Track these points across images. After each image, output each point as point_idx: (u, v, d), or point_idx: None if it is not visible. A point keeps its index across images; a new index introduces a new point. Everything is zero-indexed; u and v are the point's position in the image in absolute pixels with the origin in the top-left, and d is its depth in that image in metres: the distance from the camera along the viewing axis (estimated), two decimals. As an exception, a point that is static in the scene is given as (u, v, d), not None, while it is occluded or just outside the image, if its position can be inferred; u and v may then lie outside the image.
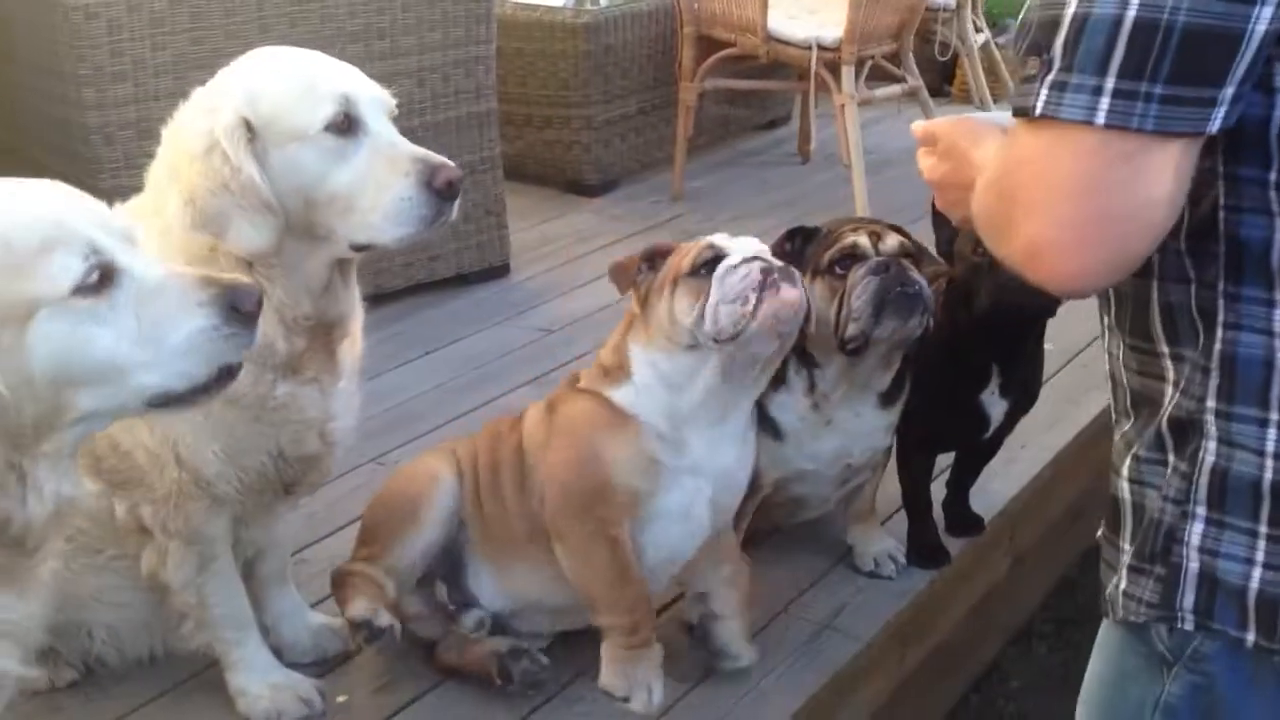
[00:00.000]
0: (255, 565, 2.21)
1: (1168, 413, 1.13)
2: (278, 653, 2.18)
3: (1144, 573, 1.15)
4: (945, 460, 2.51)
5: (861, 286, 2.04)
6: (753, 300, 1.88)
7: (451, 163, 1.86)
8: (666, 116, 4.89)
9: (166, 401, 1.41)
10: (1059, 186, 0.98)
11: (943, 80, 5.72)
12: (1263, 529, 1.06)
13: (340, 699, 2.14)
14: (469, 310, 3.82)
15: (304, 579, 2.39)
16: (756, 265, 1.92)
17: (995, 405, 2.27)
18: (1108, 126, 0.95)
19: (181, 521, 1.96)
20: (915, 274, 2.06)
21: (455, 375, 3.38)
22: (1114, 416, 1.25)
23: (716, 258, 1.95)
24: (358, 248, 1.87)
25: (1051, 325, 2.29)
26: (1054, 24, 0.99)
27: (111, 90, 3.19)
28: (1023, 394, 2.30)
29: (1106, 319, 1.24)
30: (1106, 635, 1.25)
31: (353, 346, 2.04)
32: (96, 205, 1.44)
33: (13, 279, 1.30)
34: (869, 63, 4.37)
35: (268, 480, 1.99)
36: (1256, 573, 1.07)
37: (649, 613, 2.06)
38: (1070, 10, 0.98)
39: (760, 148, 5.37)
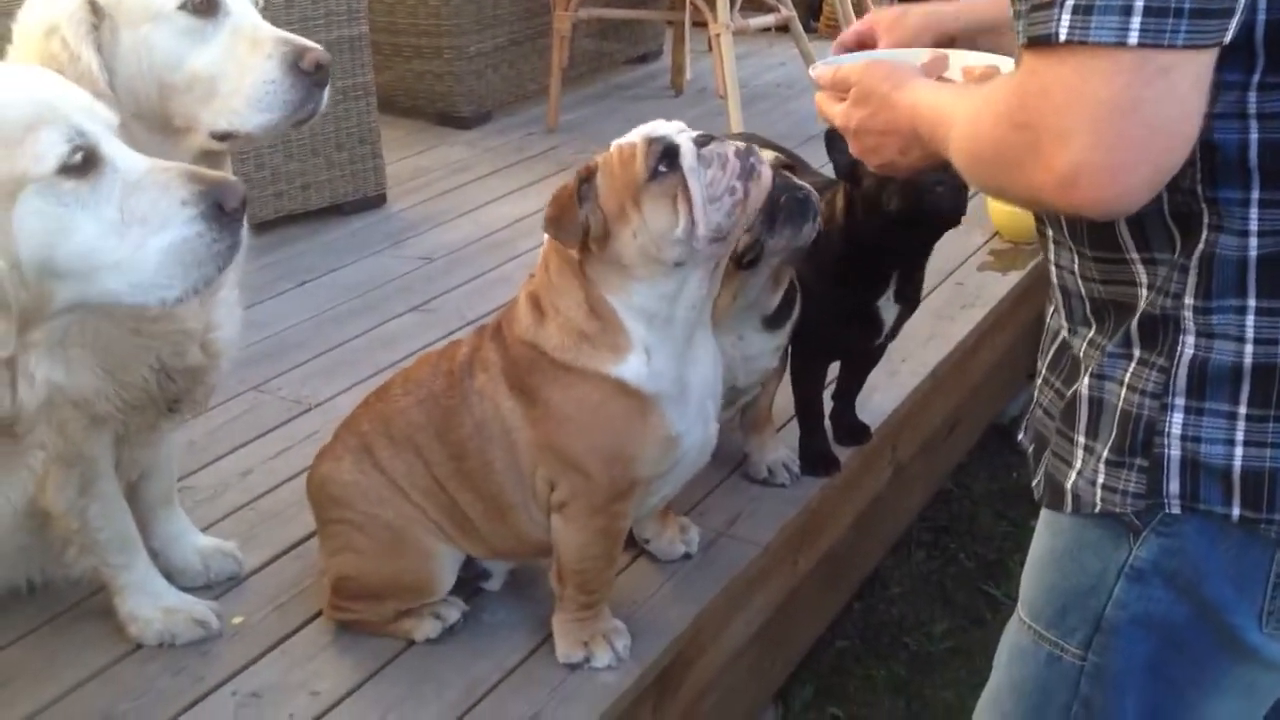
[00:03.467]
0: (140, 489, 2.14)
1: (1140, 312, 1.16)
2: (168, 577, 2.12)
3: (1124, 465, 1.17)
4: (831, 374, 2.57)
5: None
6: (740, 189, 1.74)
7: (319, 45, 1.78)
8: (539, 48, 4.84)
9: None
10: (1098, 109, 0.97)
11: (810, 15, 5.79)
12: (1242, 410, 1.12)
13: (236, 620, 2.10)
14: (345, 240, 3.74)
15: (190, 505, 2.34)
16: (729, 150, 1.76)
17: (890, 310, 2.34)
18: (1140, 45, 0.96)
19: (62, 442, 1.88)
20: (798, 180, 2.07)
21: (334, 304, 3.31)
22: (1068, 326, 1.27)
23: (668, 151, 1.76)
24: (219, 136, 1.78)
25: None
26: None
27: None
28: (911, 299, 2.37)
29: (1051, 233, 1.26)
30: (1055, 518, 1.28)
31: (232, 255, 1.98)
32: (82, 94, 1.41)
33: (1, 153, 1.28)
34: (742, -7, 4.39)
35: (150, 396, 1.92)
36: (1238, 451, 1.12)
37: (610, 588, 2.01)
38: None
39: (633, 81, 5.36)
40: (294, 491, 2.46)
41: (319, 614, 2.12)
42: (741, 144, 1.82)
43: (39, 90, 1.34)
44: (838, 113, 1.40)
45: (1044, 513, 1.31)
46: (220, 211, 1.35)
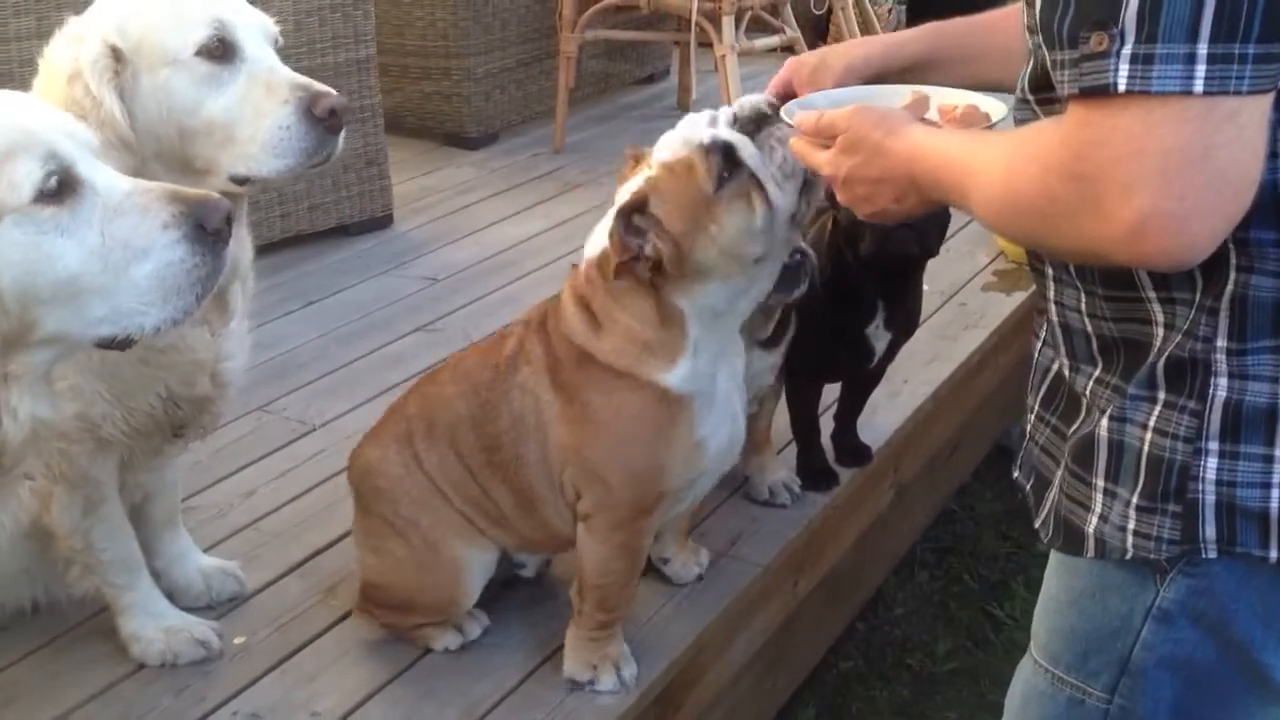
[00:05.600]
0: (145, 510, 2.15)
1: (1166, 353, 1.14)
2: (170, 597, 2.14)
3: (1157, 511, 1.15)
4: (833, 394, 2.57)
5: None
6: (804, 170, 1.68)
7: (335, 92, 1.80)
8: (546, 69, 4.87)
9: (113, 344, 1.36)
10: (1166, 158, 0.95)
11: (816, 36, 5.80)
12: (1278, 452, 1.10)
13: (238, 640, 2.11)
14: (351, 261, 3.76)
15: (195, 525, 2.35)
16: (775, 135, 1.68)
17: (880, 338, 2.35)
18: (1206, 94, 0.94)
19: (67, 464, 1.90)
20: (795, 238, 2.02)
21: (340, 324, 3.33)
22: (1068, 363, 1.25)
23: (726, 151, 1.71)
24: (238, 180, 1.80)
25: (931, 266, 2.37)
26: None
27: (-32, 29, 3.04)
28: (905, 325, 2.38)
29: (1053, 271, 1.24)
30: (1071, 560, 1.25)
31: (243, 287, 1.99)
32: (61, 115, 1.40)
33: None
34: (749, 14, 4.41)
35: (157, 423, 1.94)
36: (1275, 493, 1.11)
37: (629, 606, 2.02)
38: None
39: (640, 101, 5.38)
40: (297, 512, 2.48)
41: (320, 634, 2.13)
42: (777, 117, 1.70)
43: (13, 116, 1.32)
44: (824, 161, 1.36)
45: (1056, 555, 1.29)
46: (203, 232, 1.33)
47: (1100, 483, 1.20)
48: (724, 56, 4.27)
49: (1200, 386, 1.11)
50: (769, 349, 2.26)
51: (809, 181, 1.72)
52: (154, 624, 2.06)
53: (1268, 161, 1.02)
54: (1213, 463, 1.12)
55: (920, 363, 2.95)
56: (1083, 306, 1.21)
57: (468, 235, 3.95)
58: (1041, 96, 1.16)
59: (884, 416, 2.75)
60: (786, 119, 1.47)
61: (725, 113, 1.77)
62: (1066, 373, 1.26)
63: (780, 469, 2.48)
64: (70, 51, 1.74)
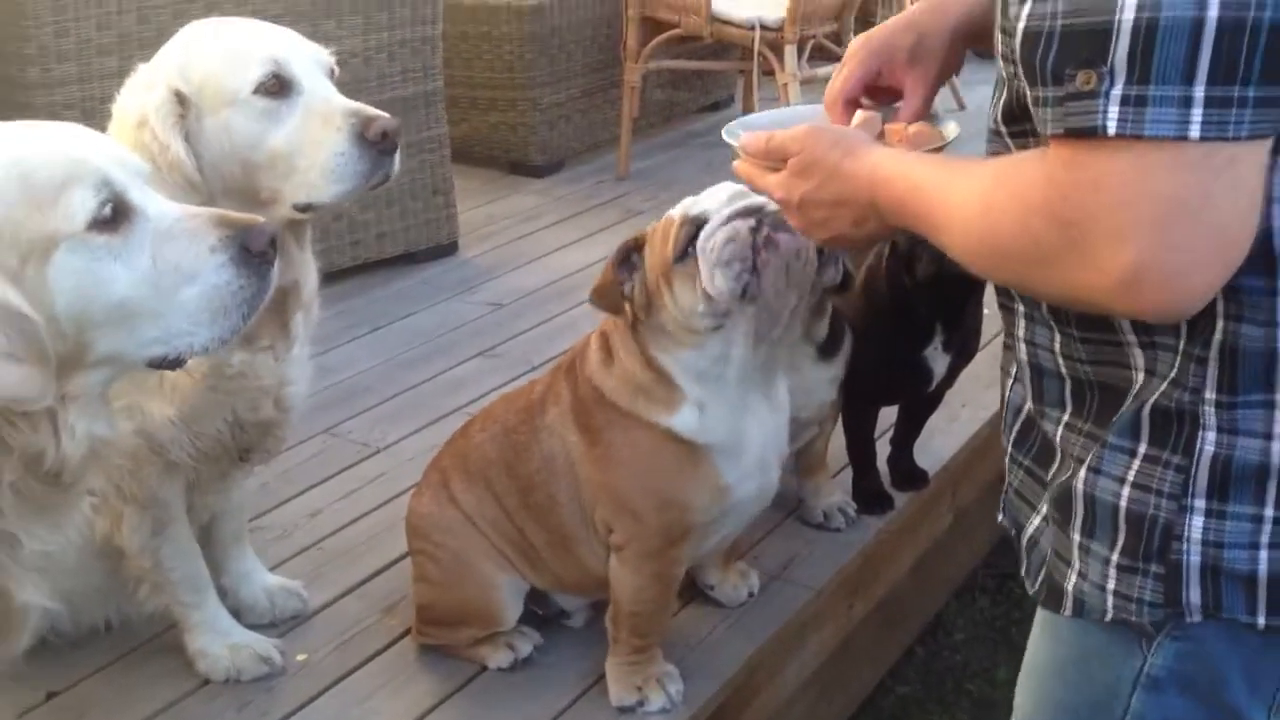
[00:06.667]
0: (212, 529, 2.23)
1: (1149, 401, 1.07)
2: (236, 614, 2.20)
3: (1138, 571, 1.09)
4: (890, 417, 2.57)
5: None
6: (750, 259, 1.72)
7: (387, 114, 1.86)
8: (611, 99, 4.93)
9: (164, 364, 1.41)
10: (1161, 207, 0.89)
11: (882, 62, 5.80)
12: (1269, 512, 1.04)
13: (300, 658, 2.17)
14: (417, 287, 3.83)
15: (261, 545, 2.41)
16: (742, 223, 1.73)
17: (938, 360, 2.34)
18: (1203, 139, 0.88)
19: (136, 486, 1.97)
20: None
21: (405, 349, 3.40)
22: (1034, 406, 1.19)
23: (699, 226, 1.77)
24: (300, 208, 1.87)
25: (990, 289, 2.36)
26: (1103, 33, 0.89)
27: (57, 69, 3.18)
28: (964, 348, 2.37)
29: (1023, 308, 1.17)
30: (1053, 621, 1.19)
31: (307, 315, 2.05)
32: (114, 145, 1.46)
33: (34, 213, 1.31)
34: (811, 42, 4.44)
35: (224, 447, 2.01)
36: (1264, 555, 1.04)
37: (664, 632, 2.06)
38: (1127, 16, 0.88)
39: (704, 129, 5.41)
40: (360, 532, 2.54)
41: (378, 653, 2.18)
42: (760, 202, 1.73)
43: (70, 147, 1.37)
44: (774, 183, 1.29)
45: (1040, 614, 1.24)
46: (248, 254, 1.38)
47: (1077, 538, 1.14)
48: (786, 85, 4.30)
49: (1186, 440, 1.05)
50: (827, 360, 2.26)
51: (759, 265, 1.72)
52: (219, 641, 2.12)
53: (1261, 208, 0.96)
54: (1198, 521, 1.05)
55: (979, 386, 2.92)
56: (1056, 346, 1.15)
57: (531, 261, 4.01)
58: (1015, 129, 1.10)
59: (941, 440, 2.74)
60: (729, 139, 1.41)
61: (740, 193, 1.79)
62: (1034, 415, 1.20)
63: (835, 492, 2.49)
64: (138, 99, 1.83)
